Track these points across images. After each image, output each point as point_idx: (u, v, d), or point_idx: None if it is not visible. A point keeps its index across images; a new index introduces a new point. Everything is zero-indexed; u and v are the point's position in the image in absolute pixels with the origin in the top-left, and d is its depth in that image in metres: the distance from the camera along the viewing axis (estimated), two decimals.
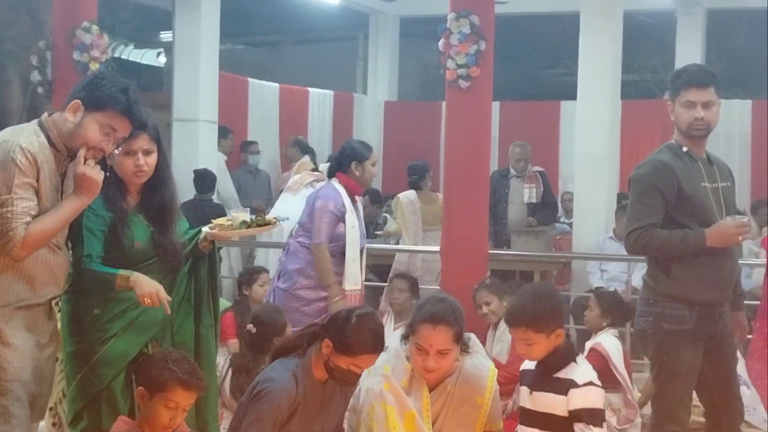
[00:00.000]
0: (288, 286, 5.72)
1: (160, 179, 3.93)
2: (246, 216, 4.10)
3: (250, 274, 7.10)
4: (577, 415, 3.63)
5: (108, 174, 3.72)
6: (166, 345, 3.99)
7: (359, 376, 3.72)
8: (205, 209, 8.69)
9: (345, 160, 5.98)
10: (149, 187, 3.93)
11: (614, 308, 6.46)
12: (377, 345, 3.71)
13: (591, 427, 3.62)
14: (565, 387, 3.65)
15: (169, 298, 3.78)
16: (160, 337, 3.98)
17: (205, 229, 4.09)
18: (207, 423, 4.07)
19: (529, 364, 3.83)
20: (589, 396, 3.65)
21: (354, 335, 3.64)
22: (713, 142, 4.65)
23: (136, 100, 3.62)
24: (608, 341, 6.41)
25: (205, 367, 4.08)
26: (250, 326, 5.22)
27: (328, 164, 6.16)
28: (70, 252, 3.84)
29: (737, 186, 4.76)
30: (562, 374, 3.69)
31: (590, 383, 3.68)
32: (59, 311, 3.90)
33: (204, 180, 9.49)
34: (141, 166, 3.82)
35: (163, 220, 3.94)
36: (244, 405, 3.76)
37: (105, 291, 3.81)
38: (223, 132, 10.64)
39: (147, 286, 3.73)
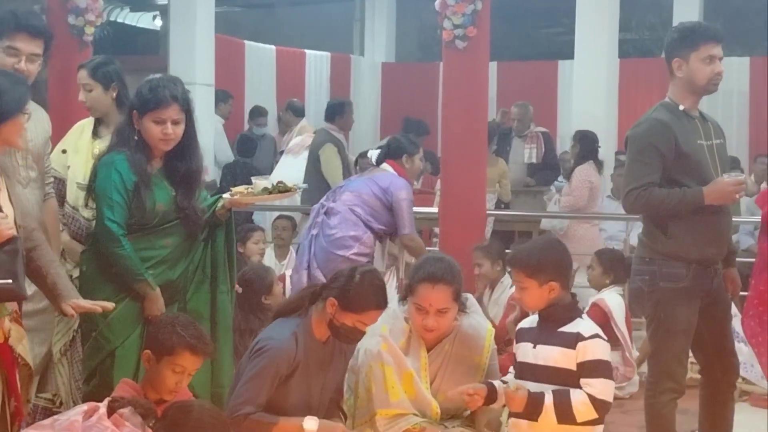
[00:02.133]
0: (346, 252, 5.83)
1: (187, 147, 4.04)
2: (267, 183, 4.15)
3: (245, 232, 7.13)
4: (584, 368, 3.63)
5: (136, 138, 3.93)
6: (175, 309, 4.02)
7: (364, 333, 3.74)
8: (247, 172, 8.78)
9: (397, 152, 6.18)
10: (175, 153, 4.02)
11: (616, 266, 6.49)
12: (381, 301, 3.74)
13: (597, 379, 3.62)
14: (572, 340, 3.65)
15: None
16: (172, 298, 4.02)
17: (226, 196, 4.16)
18: (222, 387, 4.10)
19: (526, 323, 3.83)
20: (596, 348, 3.66)
21: (358, 292, 3.68)
22: (711, 100, 4.66)
23: (27, 11, 3.79)
24: (611, 298, 6.46)
25: (222, 333, 4.15)
26: (236, 287, 5.24)
27: (377, 151, 6.28)
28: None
29: (736, 143, 4.77)
30: (567, 329, 3.69)
31: (596, 335, 3.69)
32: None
33: (246, 144, 9.60)
34: (169, 134, 3.94)
35: (188, 185, 4.03)
36: (243, 365, 3.78)
37: (123, 274, 3.90)
38: (223, 96, 10.60)
39: (158, 309, 3.88)
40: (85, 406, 3.00)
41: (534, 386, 3.65)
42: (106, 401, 3.03)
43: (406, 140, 6.41)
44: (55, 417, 3.02)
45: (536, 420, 3.59)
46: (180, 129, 3.96)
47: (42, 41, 3.86)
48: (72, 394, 4.25)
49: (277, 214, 8.40)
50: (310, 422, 3.63)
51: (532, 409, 3.58)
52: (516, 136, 9.95)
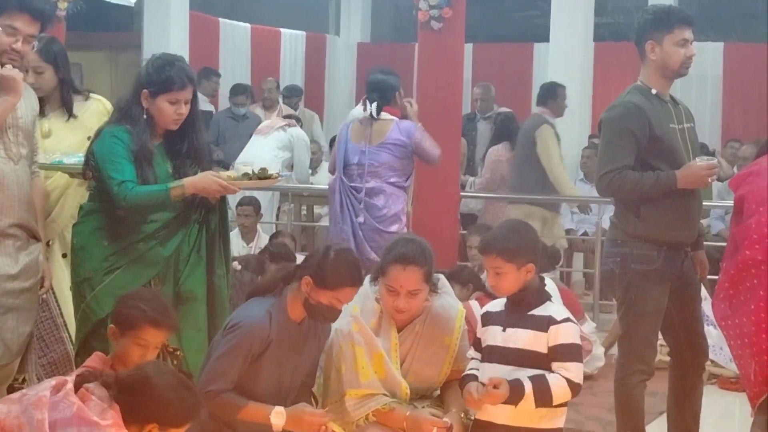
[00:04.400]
0: (398, 227, 5.95)
1: (190, 125, 4.08)
2: (249, 168, 4.12)
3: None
4: (558, 352, 3.64)
5: (145, 116, 3.97)
6: (168, 286, 4.03)
7: (340, 312, 3.72)
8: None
9: (387, 94, 6.12)
10: (177, 131, 4.05)
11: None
12: (356, 277, 3.73)
13: (572, 363, 3.63)
14: (544, 323, 3.65)
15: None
16: (163, 275, 4.04)
17: None
18: None
19: (493, 306, 3.82)
20: (569, 332, 3.67)
21: (333, 269, 3.66)
22: (685, 84, 4.68)
23: None
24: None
25: (219, 316, 4.13)
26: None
27: (375, 104, 6.10)
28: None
29: (709, 128, 4.80)
30: (538, 312, 3.69)
31: (567, 319, 3.70)
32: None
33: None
34: (182, 114, 4.01)
35: (192, 161, 4.06)
36: (216, 342, 3.76)
37: (156, 209, 3.95)
38: (206, 74, 10.51)
39: (203, 182, 3.92)
40: (53, 381, 2.97)
41: (503, 369, 3.65)
42: (73, 375, 3.00)
43: (387, 77, 6.26)
44: (24, 391, 3.00)
45: (515, 406, 3.59)
46: (188, 108, 4.04)
47: (40, 24, 3.84)
48: (36, 372, 4.26)
49: (239, 199, 8.32)
50: (278, 416, 3.59)
51: (514, 399, 3.58)
52: (481, 119, 9.94)
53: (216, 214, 4.18)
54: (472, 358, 3.84)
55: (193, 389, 3.11)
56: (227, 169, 9.93)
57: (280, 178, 4.40)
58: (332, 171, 6.41)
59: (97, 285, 3.96)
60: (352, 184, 6.01)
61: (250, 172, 4.11)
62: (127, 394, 3.00)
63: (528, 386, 3.57)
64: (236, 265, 5.76)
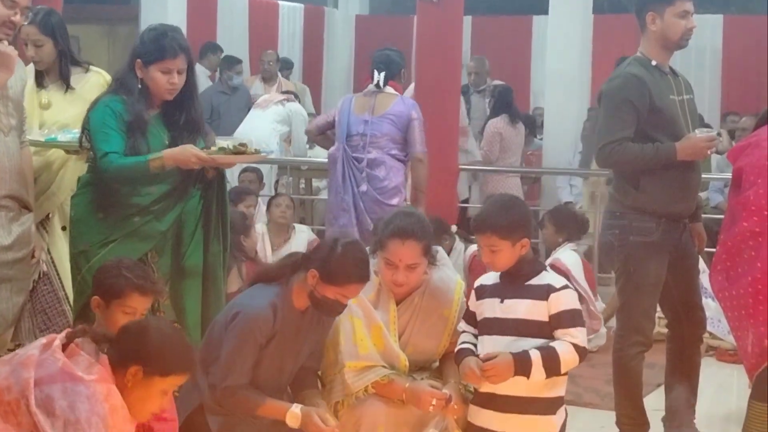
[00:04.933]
0: (399, 200, 6.00)
1: (187, 96, 4.05)
2: (226, 143, 4.05)
3: (237, 194, 7.04)
4: (561, 318, 3.64)
5: (140, 86, 3.95)
6: (165, 259, 4.02)
7: (345, 306, 3.67)
8: None
9: (394, 69, 6.19)
10: (174, 101, 4.02)
11: (568, 223, 6.52)
12: (363, 274, 3.64)
13: (575, 328, 3.64)
14: (543, 292, 3.64)
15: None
16: (160, 248, 4.03)
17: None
18: None
19: (487, 279, 3.81)
20: (569, 298, 3.67)
21: (340, 264, 3.58)
22: (685, 57, 4.67)
23: None
24: (566, 256, 6.49)
25: (213, 295, 4.13)
26: None
27: (383, 74, 6.16)
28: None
29: (708, 101, 4.79)
30: (535, 282, 3.69)
31: (566, 286, 3.71)
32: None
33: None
34: (175, 84, 3.98)
35: (188, 133, 4.03)
36: (219, 324, 3.71)
37: (139, 181, 3.92)
38: (212, 48, 10.46)
39: (186, 155, 3.87)
40: (44, 340, 2.93)
41: (504, 340, 3.66)
42: (63, 333, 2.98)
43: (395, 53, 6.35)
44: (16, 351, 2.98)
45: (528, 378, 3.59)
46: (183, 79, 4.01)
47: None
48: (31, 340, 4.27)
49: (242, 167, 8.34)
50: (293, 418, 3.57)
51: (521, 370, 3.58)
52: (474, 92, 9.92)
53: (214, 190, 4.15)
54: (463, 331, 3.84)
55: (187, 345, 3.05)
56: None
57: (265, 155, 4.32)
58: (311, 133, 6.54)
59: (92, 257, 3.95)
60: (355, 155, 6.04)
61: (226, 146, 4.04)
62: (119, 339, 2.96)
63: (536, 356, 3.57)
64: None
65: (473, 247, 6.11)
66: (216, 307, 4.12)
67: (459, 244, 6.79)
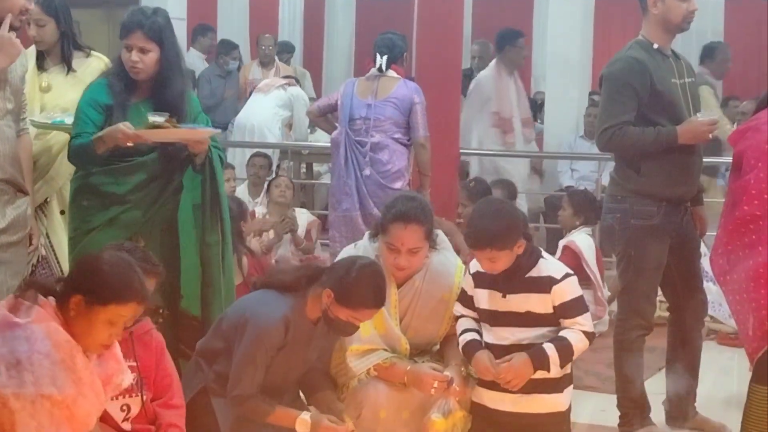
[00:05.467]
0: (402, 183, 6.02)
1: (165, 78, 4.01)
2: (159, 118, 3.92)
3: None
4: (567, 308, 3.66)
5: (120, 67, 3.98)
6: (152, 245, 3.98)
7: (357, 328, 3.64)
8: None
9: (397, 53, 6.24)
10: (157, 83, 4.01)
11: (586, 207, 6.53)
12: (378, 300, 3.59)
13: (582, 316, 3.66)
14: (545, 285, 3.66)
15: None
16: (146, 234, 4.02)
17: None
18: None
19: (479, 266, 3.79)
20: (572, 287, 3.69)
21: (355, 288, 3.53)
22: (686, 40, 4.65)
23: None
24: (581, 239, 6.50)
25: (213, 286, 4.09)
26: None
27: (385, 57, 6.21)
28: None
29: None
30: (536, 273, 3.70)
31: (567, 274, 3.72)
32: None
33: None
34: (134, 62, 3.96)
35: (178, 120, 3.97)
36: (229, 320, 3.68)
37: (92, 162, 3.92)
38: (201, 30, 10.44)
39: (114, 131, 3.82)
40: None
41: (509, 330, 3.70)
42: (11, 294, 2.96)
43: (397, 37, 6.37)
44: None
45: (548, 371, 3.62)
46: (149, 58, 3.96)
47: None
48: None
49: (253, 151, 8.38)
50: (302, 426, 3.55)
51: (539, 365, 3.62)
52: (476, 76, 9.88)
53: (206, 178, 4.11)
54: (462, 316, 3.84)
55: (132, 275, 2.98)
56: (224, 129, 9.97)
57: (199, 130, 4.02)
58: (312, 114, 6.51)
59: (77, 245, 3.99)
60: (358, 138, 6.05)
61: (153, 122, 3.92)
62: (69, 272, 2.97)
63: (551, 351, 3.61)
64: None
65: None
66: (217, 298, 4.10)
67: None
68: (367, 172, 6.00)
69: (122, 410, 3.33)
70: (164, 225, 4.07)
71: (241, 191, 7.91)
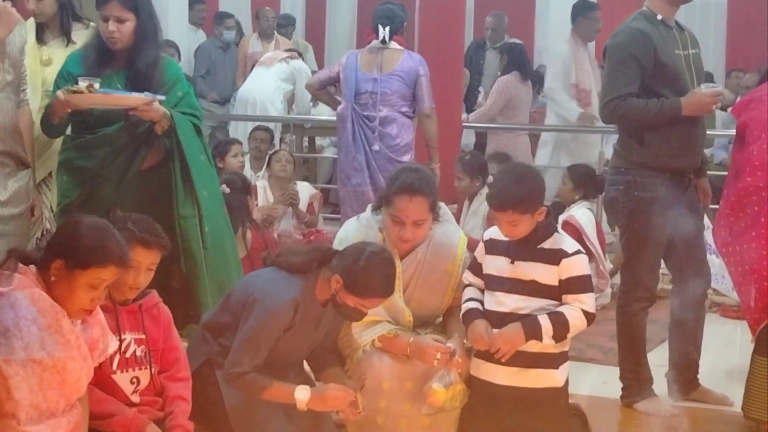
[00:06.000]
0: (410, 156, 6.03)
1: (138, 48, 4.01)
2: (83, 84, 3.88)
3: (223, 146, 7.11)
4: (571, 284, 3.65)
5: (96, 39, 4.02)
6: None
7: (365, 314, 3.63)
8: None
9: (398, 24, 6.17)
10: (132, 54, 4.01)
11: (586, 181, 6.53)
12: (387, 289, 3.58)
13: (585, 294, 3.65)
14: (555, 257, 3.65)
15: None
16: (125, 209, 3.98)
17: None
18: (199, 311, 4.07)
19: (494, 233, 3.79)
20: (581, 264, 3.68)
21: (364, 277, 3.51)
22: (689, 11, 4.63)
23: None
24: (581, 213, 6.50)
25: (189, 259, 4.08)
26: (223, 186, 5.47)
27: (387, 28, 6.16)
28: None
29: (713, 56, 4.76)
30: (548, 245, 3.69)
31: (579, 251, 3.71)
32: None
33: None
34: (112, 32, 3.96)
35: (137, 86, 3.97)
36: (237, 296, 3.67)
37: (55, 132, 3.99)
38: (191, 1, 10.41)
39: (53, 99, 3.87)
40: None
41: (512, 298, 3.68)
42: None
43: (397, 7, 6.31)
44: None
45: (540, 340, 3.62)
46: (125, 28, 3.97)
47: None
48: None
49: (255, 125, 8.38)
50: (302, 392, 3.54)
51: (531, 335, 3.61)
52: (490, 48, 9.87)
53: (174, 152, 4.08)
54: (469, 284, 3.85)
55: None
56: (222, 105, 9.95)
57: (125, 96, 3.96)
58: (312, 87, 6.46)
59: (58, 221, 4.04)
60: (365, 113, 6.02)
61: (77, 88, 3.90)
62: (50, 238, 2.97)
63: (545, 322, 3.60)
64: (224, 188, 5.62)
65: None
66: (199, 270, 4.10)
67: (485, 191, 6.75)
68: (376, 147, 5.99)
69: (132, 383, 3.35)
70: (144, 199, 4.06)
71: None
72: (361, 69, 6.12)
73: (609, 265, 6.65)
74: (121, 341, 3.28)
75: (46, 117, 3.96)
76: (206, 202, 4.15)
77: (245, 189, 5.85)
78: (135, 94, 3.92)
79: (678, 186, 4.37)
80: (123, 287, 3.34)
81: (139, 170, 4.06)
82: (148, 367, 3.38)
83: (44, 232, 4.34)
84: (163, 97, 3.94)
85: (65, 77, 3.99)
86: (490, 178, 6.25)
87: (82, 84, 3.83)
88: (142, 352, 3.37)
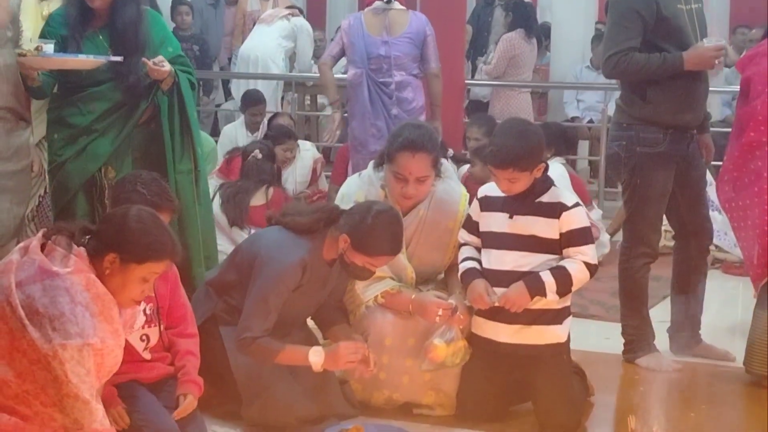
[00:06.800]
0: (424, 118, 5.93)
1: (117, 5, 3.96)
2: (29, 48, 3.85)
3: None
4: (573, 237, 3.65)
5: None
6: (125, 173, 3.96)
7: (373, 273, 3.64)
8: None
9: None
10: (113, 12, 3.96)
11: (556, 139, 6.47)
12: (395, 247, 3.58)
13: (586, 246, 3.65)
14: (555, 210, 3.65)
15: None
16: (117, 165, 4.02)
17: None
18: (191, 267, 4.07)
19: (491, 190, 3.78)
20: (580, 216, 3.68)
21: (371, 235, 3.51)
22: None
23: None
24: (552, 169, 6.45)
25: (186, 219, 4.06)
26: (256, 152, 6.04)
27: None
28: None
29: (717, 13, 4.72)
30: (546, 199, 3.68)
31: (578, 203, 3.71)
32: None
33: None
34: None
35: (122, 45, 3.94)
36: (244, 254, 3.69)
37: (36, 91, 3.95)
38: None
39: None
40: (23, 244, 2.92)
41: (512, 255, 3.68)
42: (40, 233, 2.97)
43: None
44: (3, 260, 2.99)
45: (545, 296, 3.61)
46: None
47: None
48: None
49: (250, 89, 8.33)
50: (316, 355, 3.54)
51: (535, 292, 3.61)
52: (498, 5, 9.82)
53: (174, 103, 4.06)
54: (464, 244, 3.85)
55: (166, 232, 2.99)
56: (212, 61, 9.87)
57: (68, 59, 3.91)
58: (327, 65, 6.26)
59: (54, 177, 4.03)
60: (381, 80, 5.94)
61: (21, 50, 3.88)
62: (99, 228, 2.96)
63: (548, 278, 3.59)
64: (257, 153, 6.05)
65: (465, 168, 6.09)
66: (192, 225, 4.09)
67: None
68: (395, 111, 5.93)
69: (142, 340, 3.37)
70: (136, 154, 4.07)
71: (238, 125, 7.88)
72: (369, 32, 6.01)
73: (598, 215, 6.61)
74: None
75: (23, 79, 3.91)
76: (200, 158, 4.15)
77: (269, 156, 6.15)
78: (91, 57, 3.87)
79: (681, 141, 4.35)
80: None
81: (135, 126, 4.04)
82: (158, 324, 3.40)
83: (46, 190, 4.34)
84: (119, 58, 3.89)
85: (46, 36, 3.95)
86: None
87: (30, 47, 3.81)
88: (150, 309, 3.38)
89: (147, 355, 3.38)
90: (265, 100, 7.95)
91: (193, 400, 3.31)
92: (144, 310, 3.36)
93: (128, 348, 3.24)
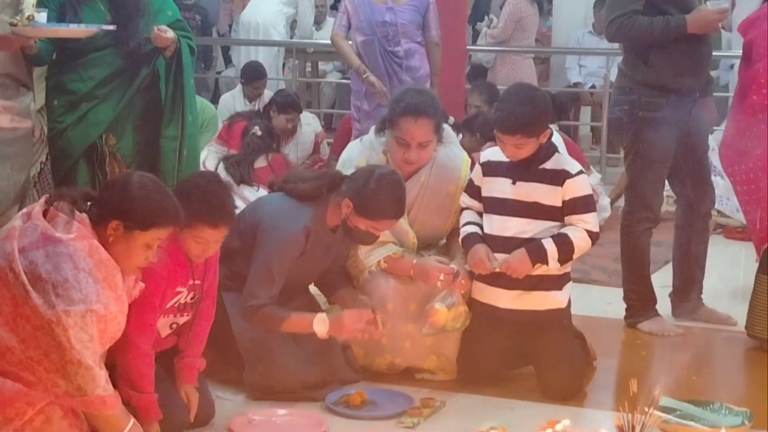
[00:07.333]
0: (429, 85, 5.86)
1: None
2: (18, 18, 3.72)
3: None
4: (576, 204, 3.64)
5: None
6: (126, 141, 3.99)
7: (377, 238, 3.64)
8: None
9: None
10: None
11: None
12: (397, 211, 3.58)
13: (589, 214, 3.65)
14: (558, 178, 3.64)
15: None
16: (120, 132, 4.00)
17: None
18: None
19: (494, 155, 3.76)
20: (583, 184, 3.67)
21: (374, 199, 3.51)
22: None
23: None
24: None
25: (163, 181, 4.02)
26: (256, 128, 6.27)
27: None
28: None
29: None
30: (550, 165, 3.67)
31: (581, 171, 3.70)
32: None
33: None
34: None
35: (123, 9, 3.91)
36: (246, 220, 3.66)
37: (35, 58, 3.89)
38: None
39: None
40: (25, 210, 2.91)
41: (515, 221, 3.67)
42: (42, 199, 2.96)
43: None
44: (6, 227, 2.98)
45: (547, 264, 3.61)
46: None
47: None
48: None
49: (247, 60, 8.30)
50: (320, 323, 3.55)
51: (537, 259, 3.60)
52: None
53: (171, 72, 4.02)
54: (466, 208, 3.84)
55: (169, 199, 2.97)
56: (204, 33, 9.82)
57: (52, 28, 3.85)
58: (341, 37, 6.13)
59: (54, 145, 4.00)
60: (391, 49, 5.88)
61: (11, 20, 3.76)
62: (101, 195, 2.94)
63: (550, 246, 3.59)
64: (257, 131, 6.29)
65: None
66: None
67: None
68: (405, 76, 5.89)
69: (171, 328, 3.34)
70: (137, 122, 4.05)
71: (236, 93, 7.84)
72: (373, 0, 5.94)
73: (596, 179, 6.59)
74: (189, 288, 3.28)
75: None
76: (189, 126, 4.11)
77: (268, 133, 6.38)
78: (83, 27, 3.82)
79: (683, 105, 4.33)
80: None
81: (136, 92, 4.02)
82: (191, 314, 3.35)
83: (47, 157, 4.33)
84: (112, 27, 3.85)
85: (47, 5, 3.87)
86: None
87: (18, 18, 3.77)
88: (192, 298, 3.34)
89: (165, 333, 3.34)
90: (266, 74, 7.85)
91: (194, 390, 3.31)
92: (183, 298, 3.30)
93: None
